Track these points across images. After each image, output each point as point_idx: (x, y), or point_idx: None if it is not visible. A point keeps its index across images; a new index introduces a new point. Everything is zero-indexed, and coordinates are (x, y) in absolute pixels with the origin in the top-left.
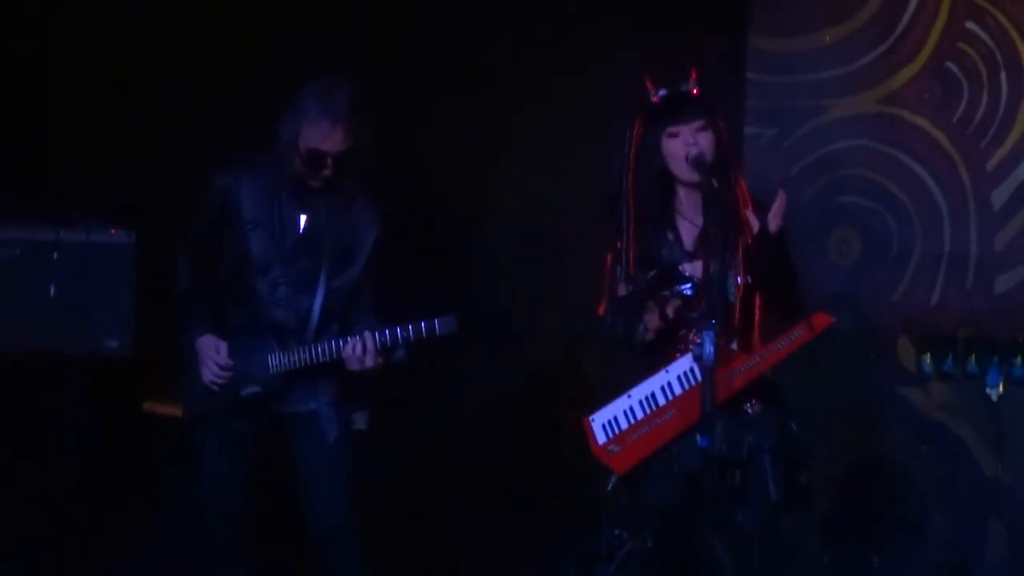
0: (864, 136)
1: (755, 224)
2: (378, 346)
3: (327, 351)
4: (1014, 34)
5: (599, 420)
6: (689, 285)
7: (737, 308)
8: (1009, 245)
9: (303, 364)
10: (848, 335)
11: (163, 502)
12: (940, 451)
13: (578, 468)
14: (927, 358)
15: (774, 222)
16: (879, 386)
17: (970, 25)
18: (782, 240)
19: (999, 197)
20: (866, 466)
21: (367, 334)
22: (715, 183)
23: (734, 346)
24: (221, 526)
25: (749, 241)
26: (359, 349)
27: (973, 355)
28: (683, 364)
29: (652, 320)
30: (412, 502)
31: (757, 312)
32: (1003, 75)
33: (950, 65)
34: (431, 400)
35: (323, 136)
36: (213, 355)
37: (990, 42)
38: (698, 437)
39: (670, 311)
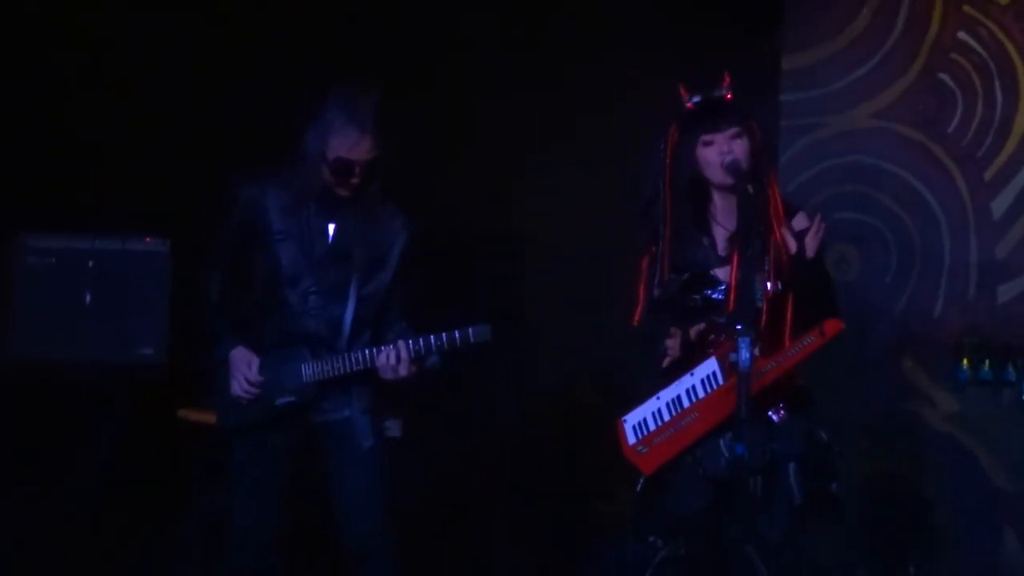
0: (859, 152)
1: (792, 246)
2: (411, 354)
3: (360, 360)
4: (1006, 42)
5: (631, 421)
6: (721, 288)
7: (764, 314)
8: (1011, 254)
9: (337, 373)
10: (850, 350)
11: (197, 510)
12: (948, 462)
13: (611, 474)
14: (964, 364)
15: (811, 245)
16: (885, 400)
17: (962, 35)
18: (819, 260)
19: (999, 206)
20: (877, 480)
21: (400, 343)
22: (751, 189)
23: (757, 352)
24: (254, 537)
25: (784, 258)
26: (392, 358)
27: (1010, 363)
28: (707, 367)
29: (673, 346)
30: (445, 509)
31: (788, 318)
32: (997, 84)
33: (943, 76)
34: (463, 407)
35: (351, 145)
36: (244, 369)
37: (983, 51)
38: (721, 442)
39: (693, 334)
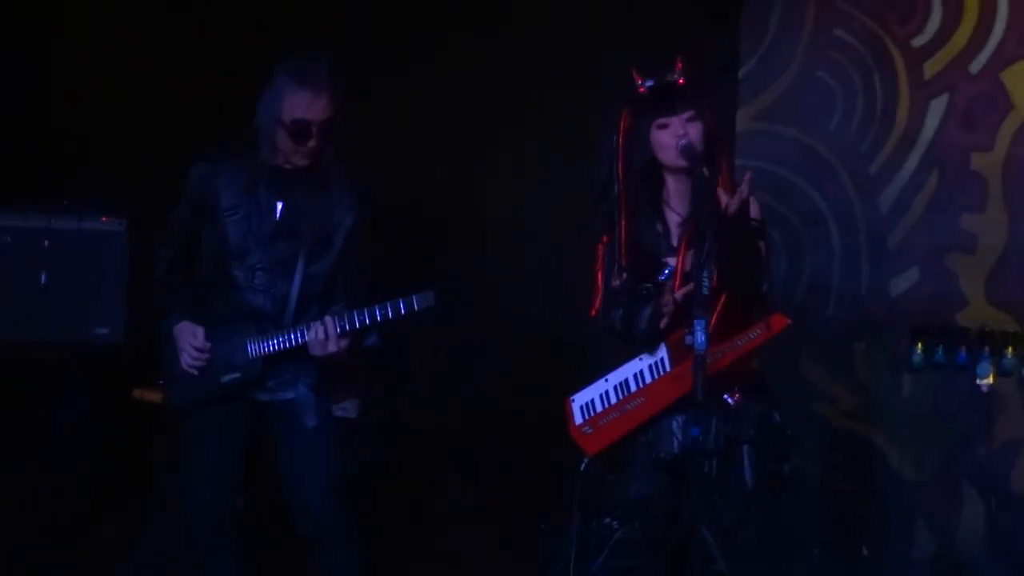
0: (741, 155)
1: (724, 201)
2: (339, 331)
3: (304, 335)
4: (883, 35)
5: (578, 401)
6: (670, 275)
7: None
8: (901, 245)
9: (281, 348)
10: None
11: (154, 489)
12: (853, 458)
13: (571, 452)
14: (918, 348)
15: (735, 202)
16: (784, 400)
17: (838, 32)
18: (744, 222)
19: (886, 199)
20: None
21: (328, 319)
22: (706, 172)
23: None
24: (207, 515)
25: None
26: (320, 334)
27: (964, 346)
28: (656, 353)
29: (668, 302)
30: (404, 488)
31: (719, 304)
32: (876, 77)
33: (822, 74)
34: (421, 385)
35: (307, 105)
36: (190, 339)
37: (860, 46)
38: (674, 424)
39: (679, 296)
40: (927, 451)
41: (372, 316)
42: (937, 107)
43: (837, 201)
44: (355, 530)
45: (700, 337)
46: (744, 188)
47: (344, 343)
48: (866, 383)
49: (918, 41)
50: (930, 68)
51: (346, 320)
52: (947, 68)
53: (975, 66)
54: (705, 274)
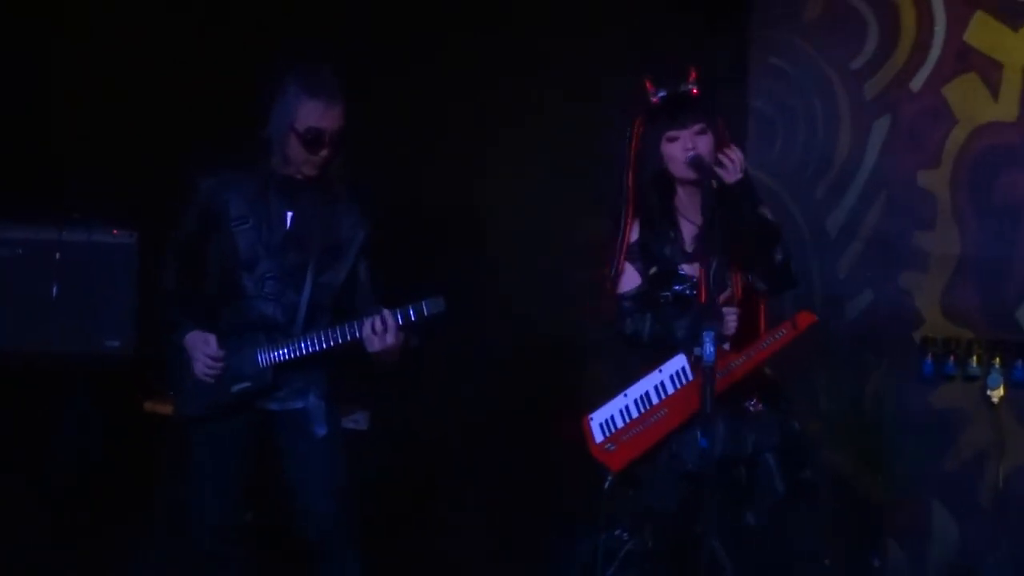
0: None
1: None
2: (400, 322)
3: (315, 343)
4: (820, 60)
5: (597, 419)
6: (688, 284)
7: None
8: (852, 270)
9: (291, 357)
10: None
11: (163, 501)
12: (818, 482)
13: (577, 467)
14: (929, 360)
15: (733, 171)
16: None
17: (775, 60)
18: (747, 191)
19: (834, 224)
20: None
21: (385, 312)
22: (715, 184)
23: (726, 347)
24: (213, 526)
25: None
26: (379, 326)
27: (974, 356)
28: (676, 363)
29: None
30: (411, 496)
31: (761, 313)
32: (817, 103)
33: (760, 103)
34: (426, 391)
35: (321, 114)
36: (203, 347)
37: (799, 73)
38: (699, 433)
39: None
40: (893, 471)
41: (406, 314)
42: (880, 127)
43: (785, 229)
44: (358, 533)
45: (709, 349)
46: (732, 153)
47: (401, 336)
48: (827, 408)
49: (856, 63)
50: (871, 89)
51: (400, 315)
52: (888, 87)
53: (916, 83)
54: (726, 283)
